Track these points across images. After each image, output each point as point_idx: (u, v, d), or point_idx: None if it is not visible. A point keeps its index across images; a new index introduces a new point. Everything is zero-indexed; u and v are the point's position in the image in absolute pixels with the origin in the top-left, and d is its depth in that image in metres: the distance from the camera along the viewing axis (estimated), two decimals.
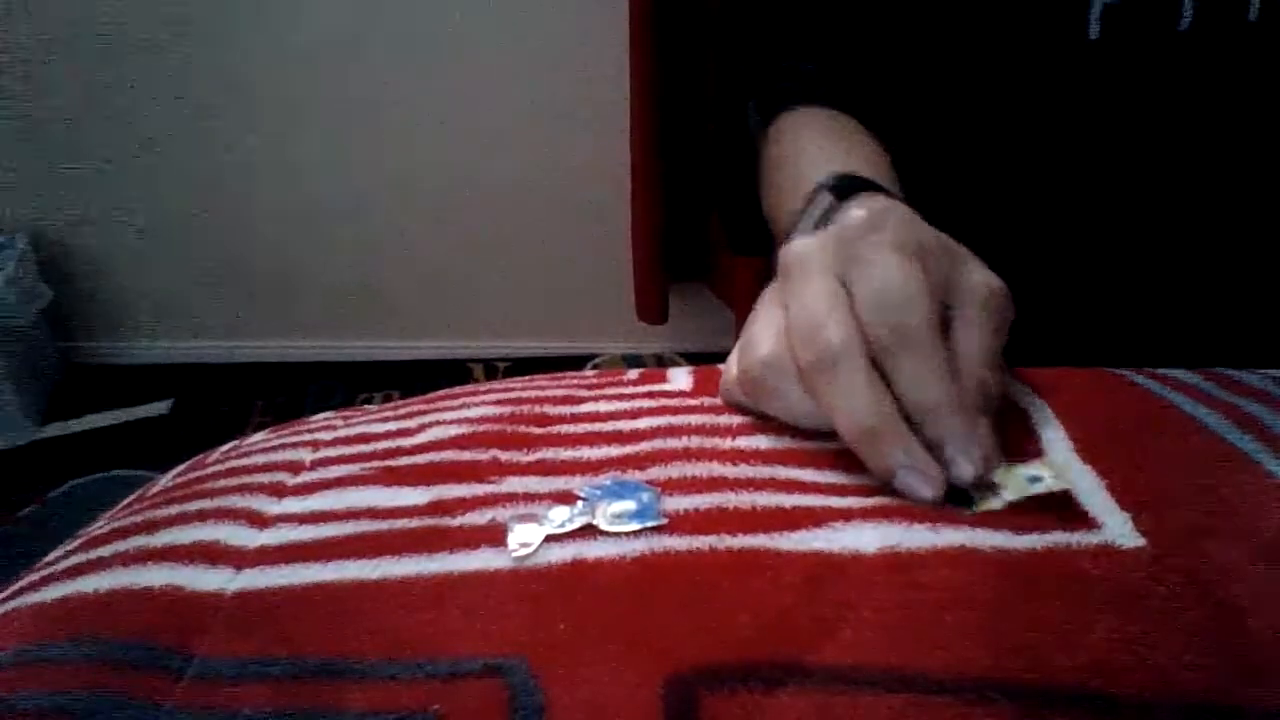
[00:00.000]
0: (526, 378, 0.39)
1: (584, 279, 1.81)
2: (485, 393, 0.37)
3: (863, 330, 0.29)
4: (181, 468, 0.37)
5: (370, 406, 0.39)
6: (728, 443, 0.32)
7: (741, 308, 1.45)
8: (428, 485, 0.31)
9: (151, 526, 0.31)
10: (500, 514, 0.29)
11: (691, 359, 1.73)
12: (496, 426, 0.34)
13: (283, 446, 0.35)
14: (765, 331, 0.32)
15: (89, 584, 0.28)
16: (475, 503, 0.30)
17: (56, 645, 0.26)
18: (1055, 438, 0.31)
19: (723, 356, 0.36)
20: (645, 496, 0.29)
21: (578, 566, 0.27)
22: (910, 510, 0.28)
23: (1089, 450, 0.30)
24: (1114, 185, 0.54)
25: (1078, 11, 0.50)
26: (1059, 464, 0.29)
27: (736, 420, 0.33)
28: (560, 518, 0.28)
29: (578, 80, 1.63)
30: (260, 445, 0.36)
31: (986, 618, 0.24)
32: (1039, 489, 0.28)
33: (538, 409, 0.35)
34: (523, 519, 0.29)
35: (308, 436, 0.36)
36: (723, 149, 0.64)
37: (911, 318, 0.29)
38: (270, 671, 0.24)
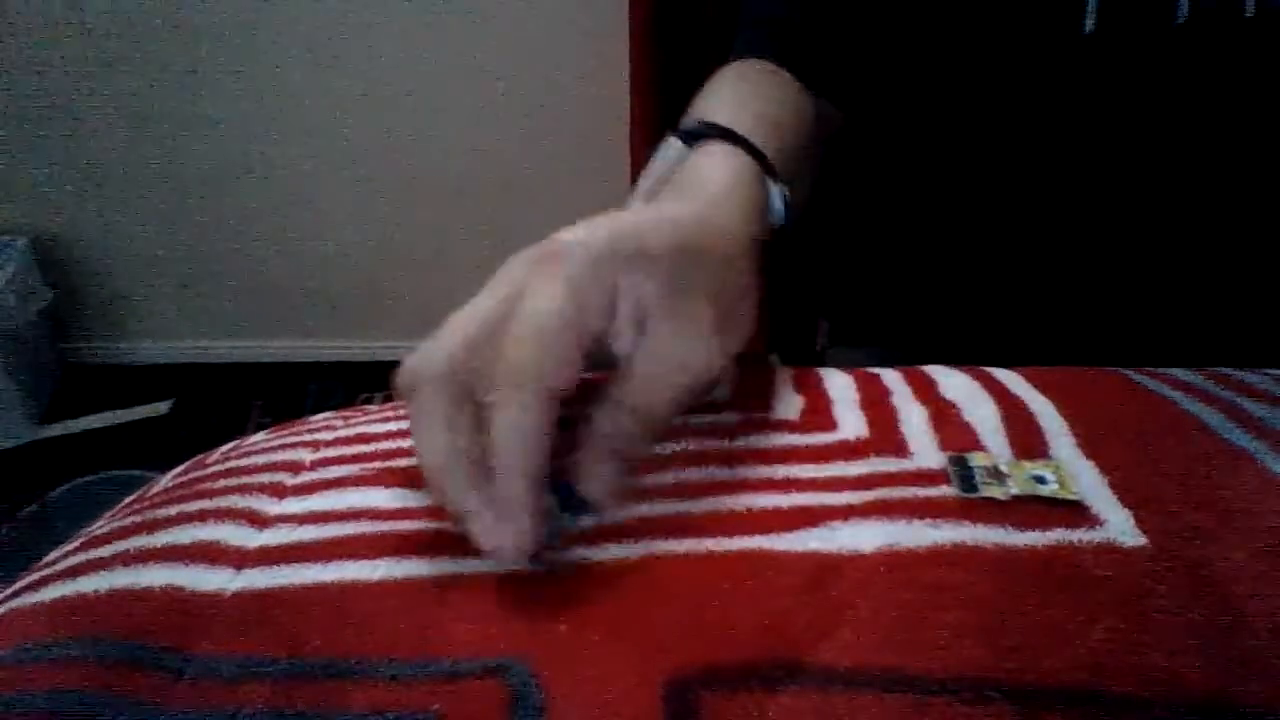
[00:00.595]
0: None
1: None
2: None
3: (481, 360, 0.26)
4: (181, 468, 0.37)
5: (370, 406, 0.39)
6: (725, 444, 0.32)
7: None
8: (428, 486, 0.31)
9: (151, 526, 0.31)
10: None
11: None
12: None
13: (283, 447, 0.35)
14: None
15: (89, 584, 0.28)
16: None
17: (56, 645, 0.26)
18: (1058, 434, 0.31)
19: None
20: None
21: (578, 567, 0.27)
22: (910, 505, 0.28)
23: (1091, 447, 0.30)
24: (1108, 179, 0.54)
25: (1074, 5, 0.50)
26: (1064, 463, 0.29)
27: (735, 420, 0.33)
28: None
29: (578, 80, 1.62)
30: (260, 445, 0.36)
31: (986, 617, 0.24)
32: (1044, 491, 0.28)
33: None
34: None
35: (308, 437, 0.36)
36: None
37: (524, 361, 0.25)
38: (270, 671, 0.24)
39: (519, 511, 0.25)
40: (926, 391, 0.35)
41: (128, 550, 0.29)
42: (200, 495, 0.32)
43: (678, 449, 0.32)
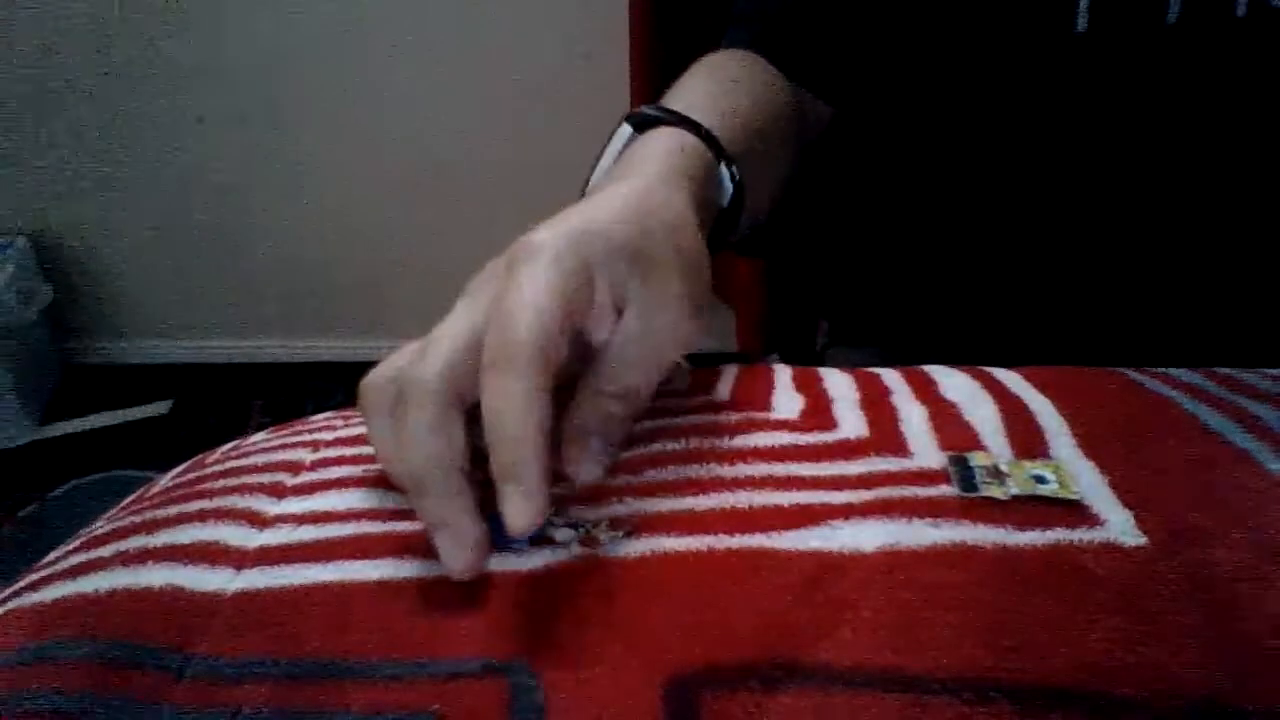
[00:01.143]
0: None
1: None
2: None
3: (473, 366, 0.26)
4: (181, 468, 0.37)
5: None
6: (725, 442, 0.32)
7: (741, 308, 1.45)
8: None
9: (151, 526, 0.31)
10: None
11: (690, 359, 1.72)
12: None
13: (283, 446, 0.35)
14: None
15: (89, 584, 0.28)
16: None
17: (56, 645, 0.26)
18: (1058, 434, 0.31)
19: (723, 357, 0.36)
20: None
21: (578, 567, 0.27)
22: (910, 504, 0.28)
23: (1091, 447, 0.30)
24: (1101, 179, 0.54)
25: (1066, 4, 0.50)
26: (1064, 463, 0.29)
27: (735, 419, 0.33)
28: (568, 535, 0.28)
29: (579, 80, 1.62)
30: (260, 445, 0.36)
31: (987, 617, 0.24)
32: (1044, 490, 0.28)
33: None
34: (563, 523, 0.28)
35: (308, 437, 0.36)
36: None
37: (514, 335, 0.25)
38: (270, 671, 0.24)
39: (527, 478, 0.24)
40: (926, 391, 0.35)
41: (128, 550, 0.29)
42: (200, 495, 0.32)
43: (678, 447, 0.32)
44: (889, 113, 0.60)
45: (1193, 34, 0.49)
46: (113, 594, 0.27)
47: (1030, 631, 0.24)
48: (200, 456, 0.37)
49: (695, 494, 0.29)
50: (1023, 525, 0.27)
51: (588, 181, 0.42)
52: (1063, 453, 0.30)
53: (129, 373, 1.88)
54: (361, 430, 0.36)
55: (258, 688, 0.24)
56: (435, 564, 0.27)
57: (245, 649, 0.25)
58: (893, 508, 0.28)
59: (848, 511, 0.28)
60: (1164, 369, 0.36)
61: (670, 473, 0.30)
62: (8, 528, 1.49)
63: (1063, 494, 0.28)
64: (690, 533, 0.28)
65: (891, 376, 0.36)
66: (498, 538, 0.27)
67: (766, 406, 0.34)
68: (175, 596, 0.27)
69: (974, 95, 0.55)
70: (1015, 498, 0.28)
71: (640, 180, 0.34)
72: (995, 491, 0.28)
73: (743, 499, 0.29)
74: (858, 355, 0.74)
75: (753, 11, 0.57)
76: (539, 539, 0.28)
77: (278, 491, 0.32)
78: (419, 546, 0.28)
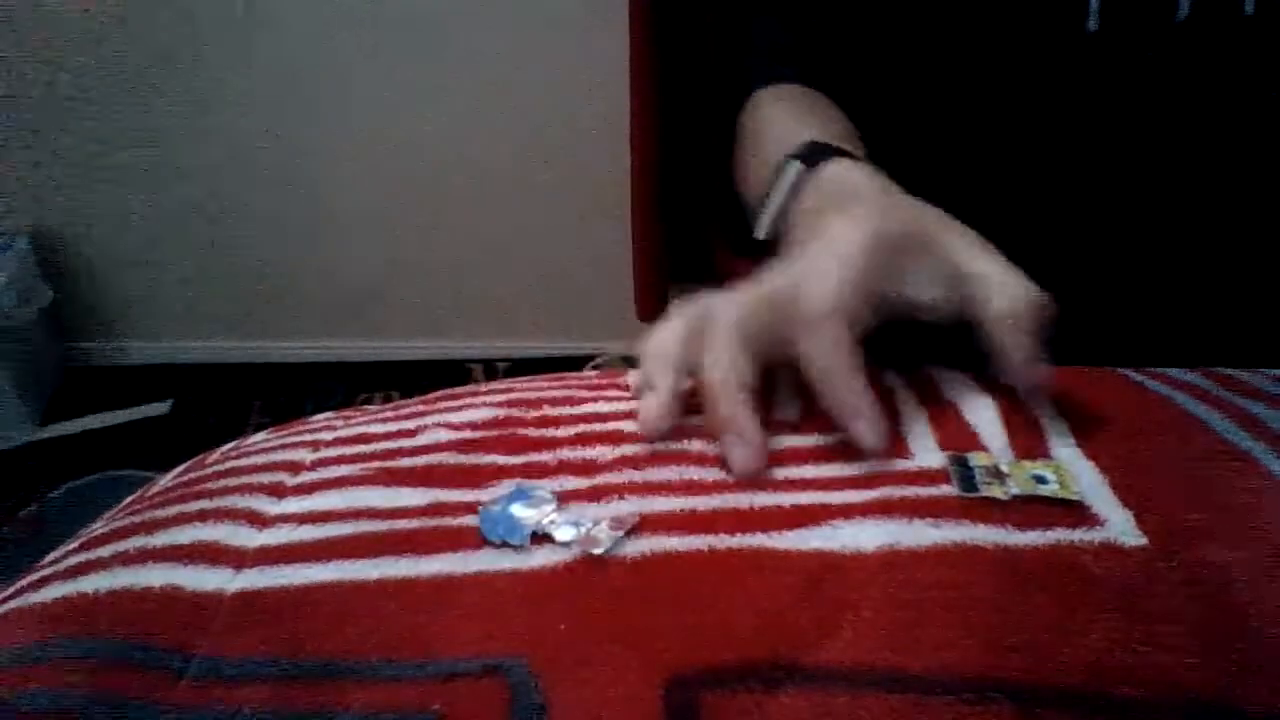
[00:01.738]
0: (526, 378, 0.39)
1: (584, 279, 1.81)
2: (485, 393, 0.37)
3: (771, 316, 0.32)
4: (181, 468, 0.37)
5: (370, 406, 0.39)
6: None
7: None
8: (427, 486, 0.31)
9: (151, 526, 0.31)
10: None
11: None
12: (496, 428, 0.34)
13: (283, 447, 0.35)
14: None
15: (89, 584, 0.28)
16: (475, 504, 0.30)
17: (56, 645, 0.26)
18: (1058, 435, 0.31)
19: None
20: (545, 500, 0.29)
21: (578, 567, 0.27)
22: (911, 504, 0.28)
23: (1092, 447, 0.30)
24: (1111, 177, 0.54)
25: (1077, 4, 0.50)
26: (1064, 463, 0.29)
27: None
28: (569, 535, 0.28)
29: (578, 80, 1.62)
30: (260, 445, 0.36)
31: (987, 617, 0.24)
32: (1044, 491, 0.28)
33: (538, 410, 0.35)
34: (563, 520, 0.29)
35: (308, 437, 0.36)
36: (717, 146, 0.64)
37: (819, 290, 0.31)
38: (270, 671, 0.24)
39: (864, 406, 0.30)
40: (926, 391, 0.35)
41: (127, 550, 0.29)
42: (200, 495, 0.32)
43: (680, 448, 0.32)
44: (899, 113, 0.61)
45: (1202, 31, 0.49)
46: (113, 594, 0.27)
47: (1030, 631, 0.24)
48: (200, 456, 0.37)
49: (696, 494, 0.29)
50: (1023, 525, 0.27)
51: (758, 216, 0.45)
52: (1063, 453, 0.30)
53: (129, 373, 1.88)
54: (361, 430, 0.36)
55: (258, 688, 0.24)
56: (435, 564, 0.27)
57: (245, 649, 0.25)
58: (893, 508, 0.28)
59: (848, 511, 0.28)
60: (1164, 369, 0.36)
61: (670, 473, 0.30)
62: (8, 528, 1.49)
63: (1063, 494, 0.28)
64: (691, 532, 0.28)
65: (891, 377, 0.36)
66: (498, 538, 0.27)
67: (767, 407, 0.34)
68: (175, 596, 0.27)
69: (986, 94, 0.55)
70: (1015, 498, 0.28)
71: (885, 196, 0.39)
72: (996, 491, 0.28)
73: (743, 499, 0.29)
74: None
75: (776, 48, 0.60)
76: (539, 538, 0.28)
77: (278, 491, 0.32)
78: (419, 546, 0.28)
